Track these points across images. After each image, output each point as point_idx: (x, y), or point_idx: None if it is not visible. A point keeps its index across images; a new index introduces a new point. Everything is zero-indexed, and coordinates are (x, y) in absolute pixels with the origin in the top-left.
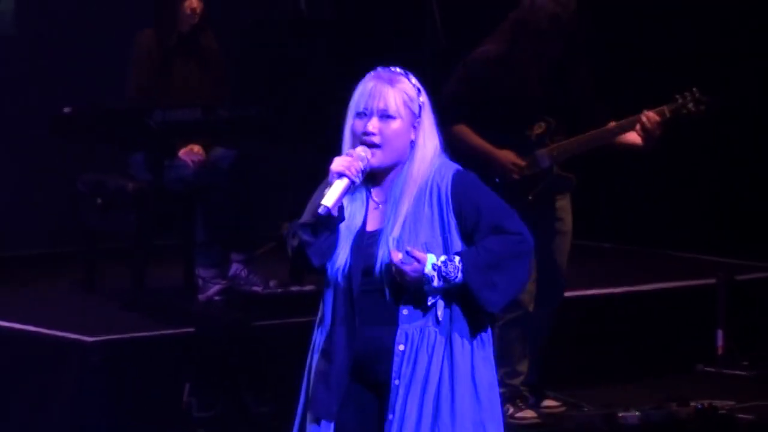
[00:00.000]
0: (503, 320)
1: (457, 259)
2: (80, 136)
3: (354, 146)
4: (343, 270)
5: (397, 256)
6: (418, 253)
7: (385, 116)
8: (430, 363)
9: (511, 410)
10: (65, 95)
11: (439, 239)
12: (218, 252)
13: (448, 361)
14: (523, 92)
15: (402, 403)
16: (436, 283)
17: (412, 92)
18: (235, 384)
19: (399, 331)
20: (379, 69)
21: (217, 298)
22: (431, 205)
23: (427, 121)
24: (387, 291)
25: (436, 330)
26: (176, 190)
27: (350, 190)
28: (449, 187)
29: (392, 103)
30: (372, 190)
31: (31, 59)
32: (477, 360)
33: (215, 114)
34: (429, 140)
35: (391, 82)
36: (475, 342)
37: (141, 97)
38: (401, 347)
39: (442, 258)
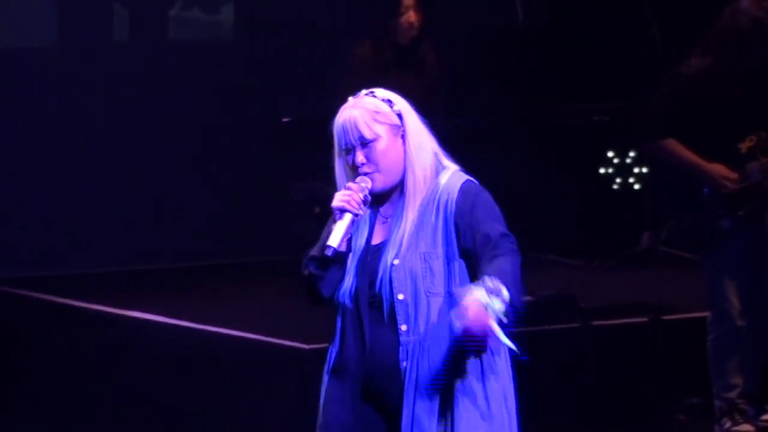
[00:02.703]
0: (713, 335)
1: (488, 279)
2: (299, 146)
3: (353, 179)
4: (350, 291)
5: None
6: (468, 301)
7: (365, 143)
8: (428, 376)
9: (728, 424)
10: (283, 104)
11: (441, 251)
12: None
13: (452, 371)
14: (731, 105)
15: (412, 419)
16: (498, 305)
17: (382, 106)
18: None
19: (401, 349)
20: (349, 99)
21: None
22: (437, 215)
23: (412, 125)
24: (385, 306)
25: (436, 342)
26: None
27: (356, 223)
28: (455, 198)
29: (364, 128)
30: (381, 207)
31: (249, 68)
32: (486, 370)
33: (432, 124)
34: (420, 145)
35: (357, 108)
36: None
37: None
38: (404, 363)
39: (483, 286)
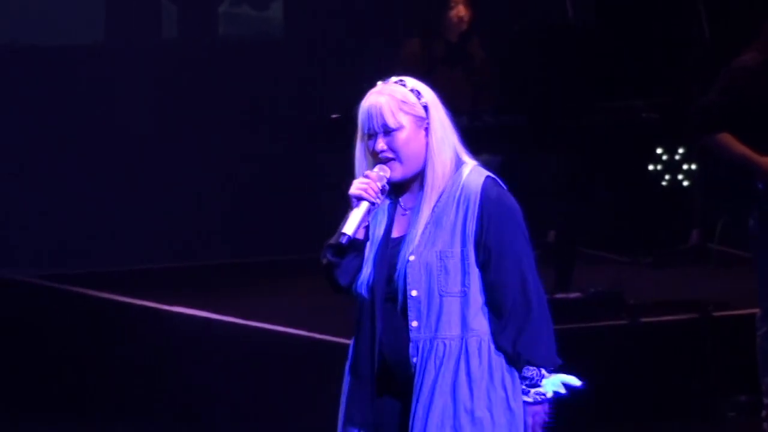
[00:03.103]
0: (762, 331)
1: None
2: (348, 143)
3: (370, 167)
4: (367, 282)
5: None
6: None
7: (388, 131)
8: (437, 375)
9: None
10: (332, 100)
11: (457, 250)
12: None
13: (465, 371)
14: None
15: (422, 415)
16: (549, 386)
17: (409, 97)
18: None
19: (411, 345)
20: (378, 83)
21: None
22: (457, 214)
23: (437, 119)
24: (399, 301)
25: (448, 341)
26: None
27: (372, 211)
28: (479, 198)
29: (389, 117)
30: (401, 197)
31: (298, 64)
32: (494, 374)
33: (481, 121)
34: (443, 139)
35: (384, 95)
36: (493, 351)
37: None
38: (414, 359)
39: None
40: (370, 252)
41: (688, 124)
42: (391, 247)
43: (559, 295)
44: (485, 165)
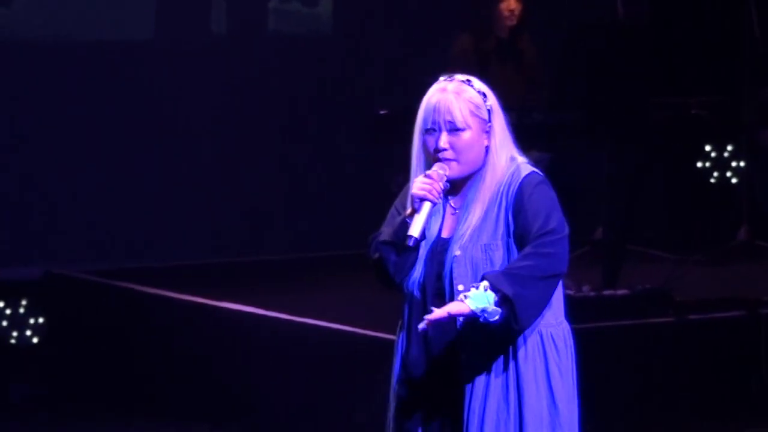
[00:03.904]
0: None
1: (483, 284)
2: (397, 138)
3: (427, 162)
4: (419, 281)
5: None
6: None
7: (454, 129)
8: (487, 370)
9: None
10: (380, 96)
11: (500, 242)
12: None
13: (514, 367)
14: None
15: (476, 409)
16: (475, 293)
17: (478, 99)
18: None
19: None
20: (441, 80)
21: None
22: (500, 207)
23: (498, 124)
24: (446, 296)
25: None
26: None
27: (433, 211)
28: (516, 190)
29: (458, 115)
30: (450, 197)
31: (347, 60)
32: (550, 366)
33: (531, 118)
34: (502, 144)
35: (454, 93)
36: (546, 348)
37: None
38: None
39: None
40: (422, 250)
41: (749, 118)
42: (440, 246)
43: (606, 292)
44: (535, 162)
